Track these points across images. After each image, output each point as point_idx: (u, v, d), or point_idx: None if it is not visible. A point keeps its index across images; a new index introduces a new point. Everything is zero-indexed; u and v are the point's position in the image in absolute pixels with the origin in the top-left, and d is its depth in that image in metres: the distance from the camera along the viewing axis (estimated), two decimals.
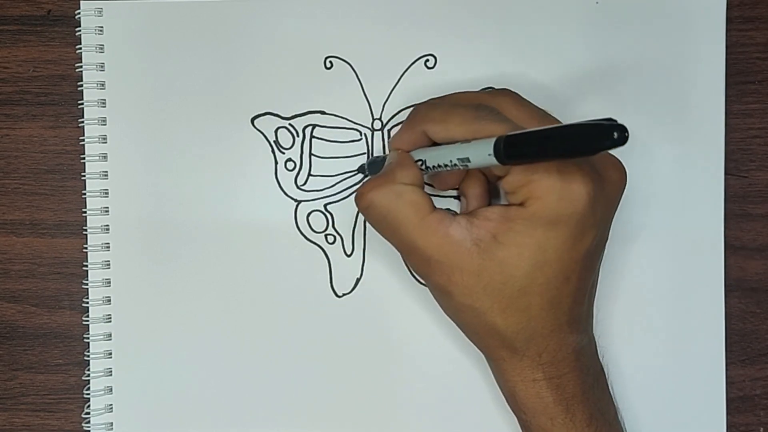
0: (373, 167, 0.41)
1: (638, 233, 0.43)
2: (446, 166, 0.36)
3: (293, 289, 0.43)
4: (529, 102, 0.37)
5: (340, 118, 0.43)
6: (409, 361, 0.43)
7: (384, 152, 0.43)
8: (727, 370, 0.43)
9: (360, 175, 0.43)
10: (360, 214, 0.43)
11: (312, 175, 0.43)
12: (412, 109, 0.39)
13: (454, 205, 0.42)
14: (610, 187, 0.35)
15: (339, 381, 0.43)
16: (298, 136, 0.43)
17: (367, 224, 0.43)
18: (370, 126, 0.43)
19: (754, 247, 0.43)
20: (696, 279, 0.43)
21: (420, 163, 0.37)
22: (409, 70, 0.43)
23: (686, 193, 0.43)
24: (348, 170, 0.43)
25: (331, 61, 0.43)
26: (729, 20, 0.42)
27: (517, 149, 0.32)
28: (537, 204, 0.33)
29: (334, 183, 0.43)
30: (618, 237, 0.41)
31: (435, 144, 0.37)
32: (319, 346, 0.43)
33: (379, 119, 0.43)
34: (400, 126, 0.40)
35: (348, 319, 0.43)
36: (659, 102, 0.43)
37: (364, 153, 0.43)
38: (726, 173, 0.43)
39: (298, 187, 0.43)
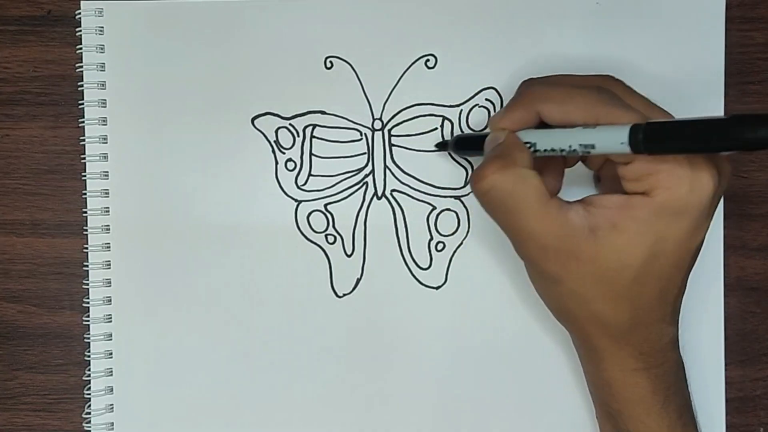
0: (463, 145, 0.40)
1: None
2: (562, 151, 0.34)
3: (293, 289, 0.43)
4: (636, 91, 0.36)
5: (340, 118, 0.43)
6: (409, 361, 0.43)
7: (384, 153, 0.43)
8: (726, 370, 0.43)
9: (361, 175, 0.43)
10: (360, 215, 0.43)
11: (312, 175, 0.43)
12: (522, 84, 0.37)
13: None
14: (724, 179, 0.34)
15: (339, 381, 0.43)
16: (298, 136, 0.43)
17: (368, 224, 0.43)
18: (370, 126, 0.43)
19: (753, 246, 0.43)
20: (696, 279, 0.43)
21: (528, 145, 0.35)
22: (409, 70, 0.43)
23: None
24: (348, 170, 0.43)
25: (331, 61, 0.43)
26: (729, 20, 0.42)
27: (659, 139, 0.30)
28: (665, 194, 0.32)
29: (334, 183, 0.43)
30: None
31: (542, 126, 0.36)
32: (319, 346, 0.43)
33: (380, 119, 0.43)
34: (507, 103, 0.37)
35: (348, 319, 0.43)
36: (659, 102, 0.42)
37: (365, 153, 0.43)
38: None
39: (298, 187, 0.43)
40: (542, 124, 0.35)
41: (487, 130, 0.37)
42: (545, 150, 0.35)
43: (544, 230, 0.34)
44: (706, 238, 0.42)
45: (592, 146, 0.33)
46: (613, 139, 0.32)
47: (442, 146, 0.42)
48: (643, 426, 0.36)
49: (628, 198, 0.33)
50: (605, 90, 0.34)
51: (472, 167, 0.43)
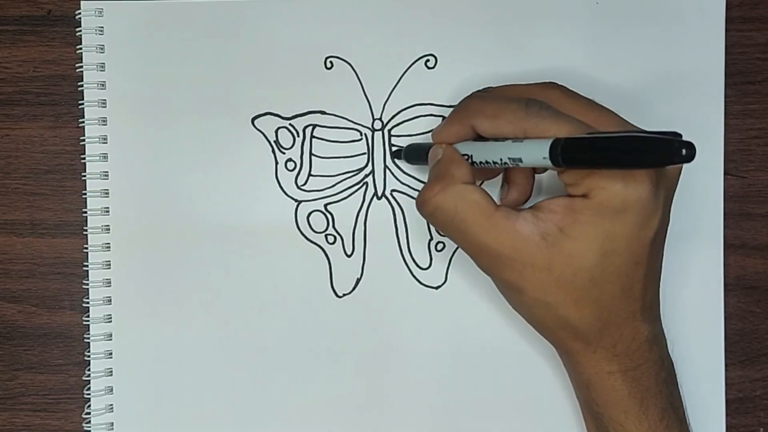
0: (411, 155, 0.41)
1: None
2: (495, 163, 0.35)
3: (293, 289, 0.43)
4: (578, 94, 0.36)
5: (340, 118, 0.43)
6: (409, 362, 0.43)
7: (385, 153, 0.43)
8: (726, 370, 0.43)
9: (361, 175, 0.43)
10: (360, 215, 0.43)
11: (312, 175, 0.43)
12: (464, 98, 0.38)
13: None
14: (670, 169, 0.35)
15: (339, 381, 0.43)
16: (298, 136, 0.43)
17: (368, 224, 0.43)
18: (370, 126, 0.43)
19: (753, 246, 0.43)
20: (696, 278, 0.43)
21: (466, 157, 0.36)
22: (409, 70, 0.43)
23: (686, 193, 0.43)
24: (348, 170, 0.43)
25: (331, 61, 0.43)
26: (729, 20, 0.42)
27: (575, 155, 0.31)
28: (602, 194, 0.33)
29: (334, 183, 0.43)
30: None
31: (479, 138, 0.36)
32: (319, 346, 0.43)
33: (380, 119, 0.43)
34: (444, 119, 0.38)
35: (348, 319, 0.43)
36: (659, 102, 0.43)
37: (365, 153, 0.43)
38: (726, 173, 0.43)
39: (298, 187, 0.43)
40: (480, 137, 0.36)
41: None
42: (480, 162, 0.36)
43: (493, 242, 0.34)
44: (704, 237, 0.42)
45: (520, 160, 0.34)
46: (536, 154, 0.32)
47: (396, 154, 0.43)
48: (621, 429, 0.36)
49: (571, 201, 0.34)
50: (536, 102, 0.34)
51: None
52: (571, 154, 0.31)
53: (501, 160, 0.34)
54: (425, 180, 0.43)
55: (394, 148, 0.43)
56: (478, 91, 0.39)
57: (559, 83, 0.37)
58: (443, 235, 0.43)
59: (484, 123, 0.35)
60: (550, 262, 0.34)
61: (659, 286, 0.38)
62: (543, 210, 0.34)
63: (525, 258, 0.34)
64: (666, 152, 0.28)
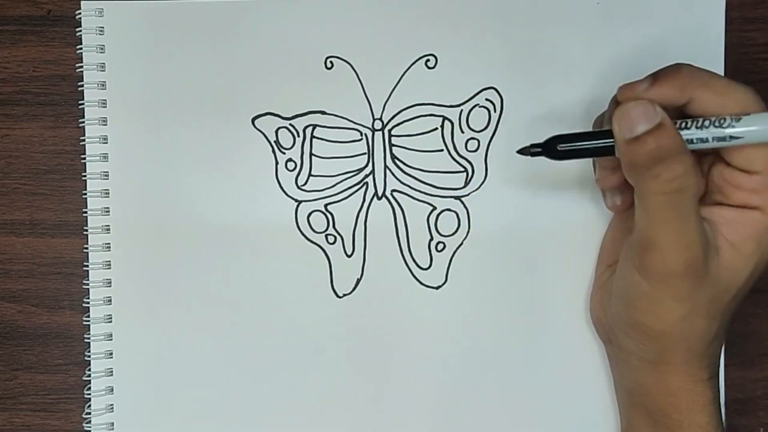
0: (573, 140, 0.35)
1: None
2: (701, 140, 0.32)
3: (293, 289, 0.43)
4: None
5: (340, 118, 0.43)
6: (409, 362, 0.43)
7: (385, 154, 0.43)
8: (726, 371, 0.43)
9: (361, 175, 0.43)
10: (360, 215, 0.43)
11: (312, 175, 0.43)
12: (671, 66, 0.34)
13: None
14: None
15: (339, 381, 0.43)
16: (298, 136, 0.43)
17: (368, 225, 0.43)
18: (370, 126, 0.43)
19: None
20: None
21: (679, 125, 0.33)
22: (409, 70, 0.43)
23: None
24: (349, 170, 0.43)
25: (331, 61, 0.43)
26: (729, 21, 0.42)
27: None
28: None
29: (334, 183, 0.43)
30: None
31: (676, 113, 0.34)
32: (319, 346, 0.43)
33: (380, 119, 0.43)
34: (651, 75, 0.34)
35: (348, 319, 0.43)
36: None
37: (365, 153, 0.43)
38: None
39: (298, 187, 0.43)
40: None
41: (598, 129, 0.36)
42: (690, 140, 0.33)
43: (691, 243, 0.32)
44: None
45: (742, 137, 0.32)
46: None
47: (528, 151, 0.36)
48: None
49: (742, 213, 0.33)
50: (755, 92, 0.33)
51: (472, 167, 0.43)
52: None
53: (712, 136, 0.32)
54: (427, 180, 0.43)
55: (525, 146, 0.36)
56: (683, 63, 0.34)
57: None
58: (444, 236, 0.43)
59: (713, 99, 0.32)
60: (717, 275, 0.33)
61: None
62: (708, 220, 0.33)
63: (702, 267, 0.33)
64: None
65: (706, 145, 0.32)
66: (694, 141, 0.32)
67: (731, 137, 0.32)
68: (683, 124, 0.33)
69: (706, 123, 0.32)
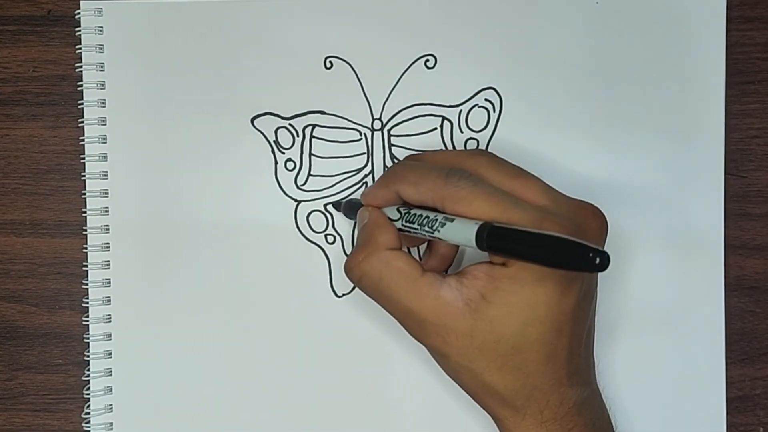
0: (348, 209, 0.41)
1: (638, 233, 0.43)
2: (422, 233, 0.36)
3: (293, 289, 0.43)
4: (505, 161, 0.37)
5: (340, 118, 0.43)
6: (408, 362, 0.43)
7: (384, 153, 0.43)
8: (726, 369, 0.43)
9: (360, 175, 0.43)
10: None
11: (312, 175, 0.43)
12: (389, 167, 0.40)
13: None
14: (591, 237, 0.35)
15: (339, 381, 0.43)
16: (298, 136, 0.43)
17: None
18: (370, 126, 0.43)
19: (753, 246, 0.43)
20: (696, 278, 0.43)
21: (398, 217, 0.37)
22: (409, 70, 0.43)
23: (686, 193, 0.43)
24: (348, 170, 0.43)
25: (331, 61, 0.43)
26: (729, 20, 0.42)
27: (500, 243, 0.32)
28: (520, 264, 0.33)
29: (334, 183, 0.43)
30: (618, 237, 0.42)
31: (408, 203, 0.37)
32: (318, 346, 0.43)
33: (379, 119, 0.43)
34: (377, 179, 0.39)
35: (348, 319, 0.43)
36: (659, 102, 0.43)
37: (364, 153, 0.43)
38: (726, 173, 0.43)
39: (298, 187, 0.43)
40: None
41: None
42: (407, 229, 0.36)
43: (418, 307, 0.35)
44: (704, 238, 0.42)
45: (444, 238, 0.34)
46: (462, 234, 0.33)
47: (336, 206, 0.43)
48: None
49: (492, 268, 0.34)
50: (456, 172, 0.35)
51: None
52: (496, 242, 0.32)
53: (426, 234, 0.35)
54: None
55: (335, 200, 0.43)
56: (409, 156, 0.40)
57: (488, 151, 0.38)
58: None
59: (408, 189, 0.36)
60: (473, 329, 0.34)
61: (591, 348, 0.38)
62: (467, 276, 0.34)
63: (449, 324, 0.34)
64: (582, 259, 0.29)
65: (429, 238, 0.36)
66: (418, 234, 0.36)
67: (439, 239, 0.35)
68: (410, 218, 0.36)
69: (424, 222, 0.36)
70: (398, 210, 0.37)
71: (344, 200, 0.42)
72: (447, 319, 0.34)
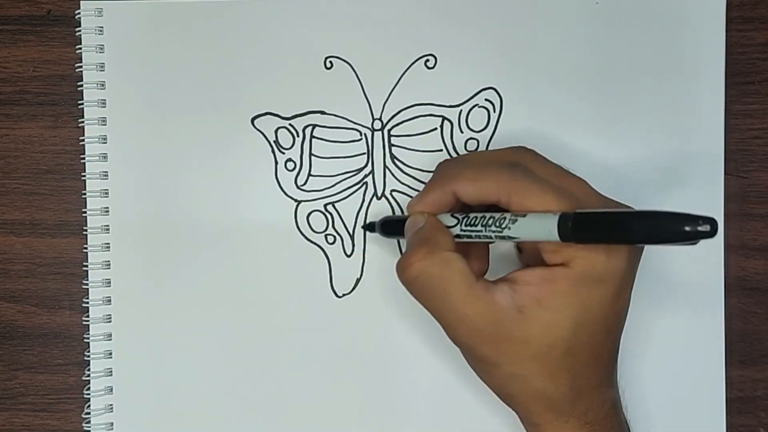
0: (387, 228, 0.40)
1: None
2: (486, 237, 0.34)
3: (293, 289, 0.43)
4: (548, 159, 0.36)
5: (340, 118, 0.43)
6: (409, 362, 0.43)
7: (384, 154, 0.43)
8: (727, 370, 0.42)
9: (361, 175, 0.43)
10: (360, 215, 0.43)
11: (312, 175, 0.43)
12: (437, 166, 0.38)
13: None
14: (640, 246, 0.35)
15: (339, 381, 0.43)
16: (298, 136, 0.43)
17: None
18: (370, 126, 0.43)
19: (754, 247, 0.43)
20: (696, 279, 0.43)
21: (455, 223, 0.36)
22: (409, 70, 0.43)
23: (686, 193, 0.43)
24: (348, 170, 0.43)
25: (331, 61, 0.43)
26: (729, 20, 0.42)
27: (590, 230, 0.31)
28: (584, 263, 0.32)
29: (334, 183, 0.43)
30: None
31: (463, 208, 0.36)
32: (318, 347, 0.43)
33: (379, 119, 0.43)
34: (423, 188, 0.38)
35: (348, 319, 0.43)
36: (659, 102, 0.43)
37: (364, 153, 0.43)
38: (726, 173, 0.43)
39: (298, 187, 0.43)
40: (465, 207, 0.36)
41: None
42: (465, 235, 0.35)
43: (474, 314, 0.34)
44: (702, 244, 0.41)
45: (516, 237, 0.33)
46: (540, 228, 0.32)
47: (370, 227, 0.42)
48: None
49: (549, 271, 0.33)
50: (516, 165, 0.34)
51: None
52: (585, 229, 0.31)
53: (493, 235, 0.34)
54: (426, 180, 0.43)
55: (367, 221, 0.42)
56: (448, 159, 0.39)
57: (529, 147, 0.37)
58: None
59: (467, 186, 0.35)
60: (527, 335, 0.33)
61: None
62: (518, 282, 0.34)
63: (502, 331, 0.34)
64: (690, 230, 0.28)
65: (493, 241, 0.34)
66: (481, 237, 0.35)
67: (510, 237, 0.33)
68: (470, 221, 0.35)
69: (490, 222, 0.34)
70: (453, 216, 0.36)
71: (380, 220, 0.41)
72: (501, 327, 0.33)
